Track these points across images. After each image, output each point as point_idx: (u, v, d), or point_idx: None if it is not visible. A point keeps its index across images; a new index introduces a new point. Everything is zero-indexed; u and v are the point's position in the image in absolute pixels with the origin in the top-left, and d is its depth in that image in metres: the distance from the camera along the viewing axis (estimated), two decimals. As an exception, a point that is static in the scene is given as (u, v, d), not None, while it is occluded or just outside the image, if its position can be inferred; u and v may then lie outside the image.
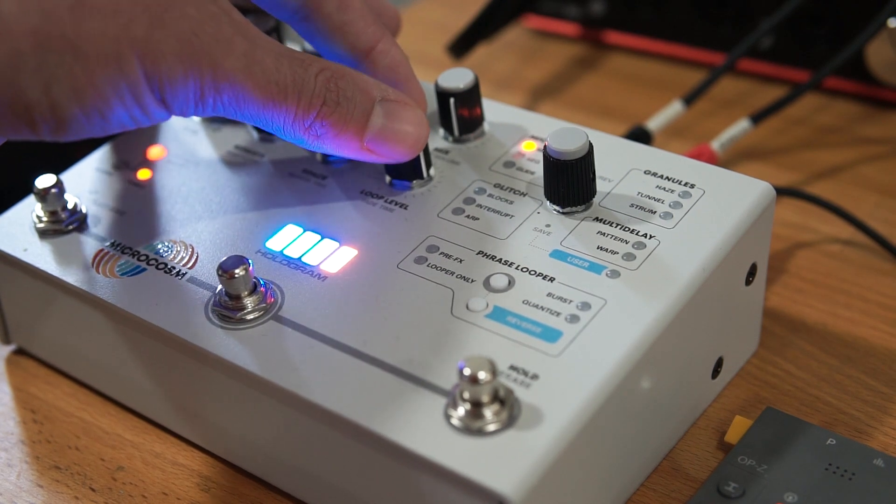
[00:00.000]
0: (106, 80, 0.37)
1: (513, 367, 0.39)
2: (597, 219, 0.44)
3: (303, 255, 0.45)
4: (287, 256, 0.45)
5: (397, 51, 0.46)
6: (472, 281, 0.43)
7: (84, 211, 0.49)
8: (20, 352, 0.53)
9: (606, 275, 0.42)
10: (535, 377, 0.39)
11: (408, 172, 0.47)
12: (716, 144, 0.56)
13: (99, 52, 0.37)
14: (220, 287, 0.43)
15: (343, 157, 0.46)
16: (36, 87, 0.37)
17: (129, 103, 0.38)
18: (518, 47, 0.72)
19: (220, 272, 0.43)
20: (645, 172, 0.46)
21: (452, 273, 0.43)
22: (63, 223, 0.49)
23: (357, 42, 0.45)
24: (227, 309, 0.43)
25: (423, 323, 0.42)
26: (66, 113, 0.37)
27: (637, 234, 0.43)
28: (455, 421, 0.38)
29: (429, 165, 0.47)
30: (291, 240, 0.46)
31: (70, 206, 0.49)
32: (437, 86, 0.48)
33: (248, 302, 0.43)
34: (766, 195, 0.45)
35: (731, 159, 0.60)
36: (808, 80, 0.57)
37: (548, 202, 0.45)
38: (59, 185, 0.49)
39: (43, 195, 0.48)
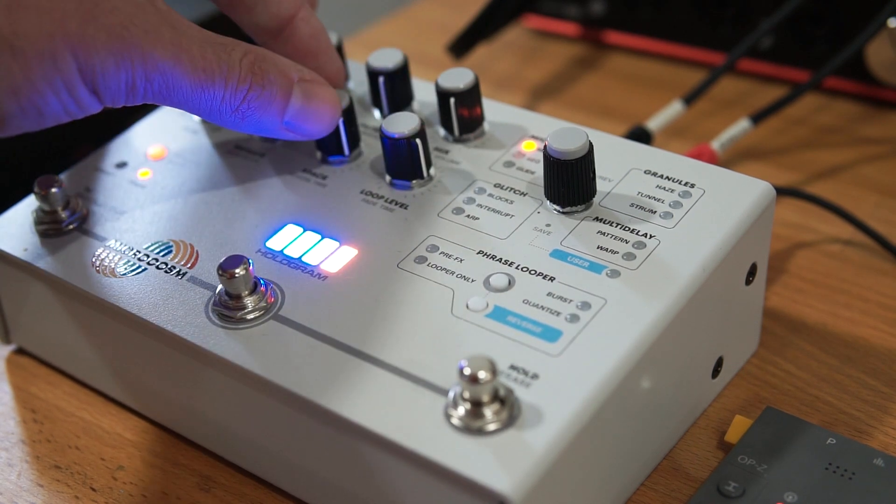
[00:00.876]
0: (42, 75, 0.39)
1: (513, 367, 0.40)
2: (597, 218, 0.44)
3: (303, 255, 0.45)
4: (287, 256, 0.45)
5: (315, 20, 0.48)
6: (472, 281, 0.43)
7: (84, 211, 0.49)
8: (20, 352, 0.53)
9: (606, 274, 0.42)
10: (535, 377, 0.39)
11: (408, 172, 0.47)
12: (716, 144, 0.56)
13: (35, 49, 0.38)
14: (220, 287, 0.43)
15: (264, 134, 0.46)
16: None
17: (63, 97, 0.39)
18: (518, 47, 0.72)
19: (220, 272, 0.43)
20: (645, 172, 0.46)
21: (452, 273, 0.43)
22: (63, 223, 0.49)
23: (278, 11, 0.47)
24: (228, 308, 0.43)
25: (423, 323, 0.42)
26: (5, 109, 0.39)
27: (637, 233, 0.43)
28: (455, 420, 0.38)
29: (429, 165, 0.47)
30: (291, 239, 0.46)
31: (70, 206, 0.49)
32: (437, 86, 0.48)
33: (249, 301, 0.43)
34: (766, 195, 0.45)
35: (731, 159, 0.60)
36: (808, 80, 0.57)
37: (548, 202, 0.45)
38: (59, 185, 0.49)
39: (43, 195, 0.48)
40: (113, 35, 0.39)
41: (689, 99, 0.59)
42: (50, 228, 0.49)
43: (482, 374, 0.37)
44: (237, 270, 0.42)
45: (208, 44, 0.42)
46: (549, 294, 0.42)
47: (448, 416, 0.38)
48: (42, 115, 0.40)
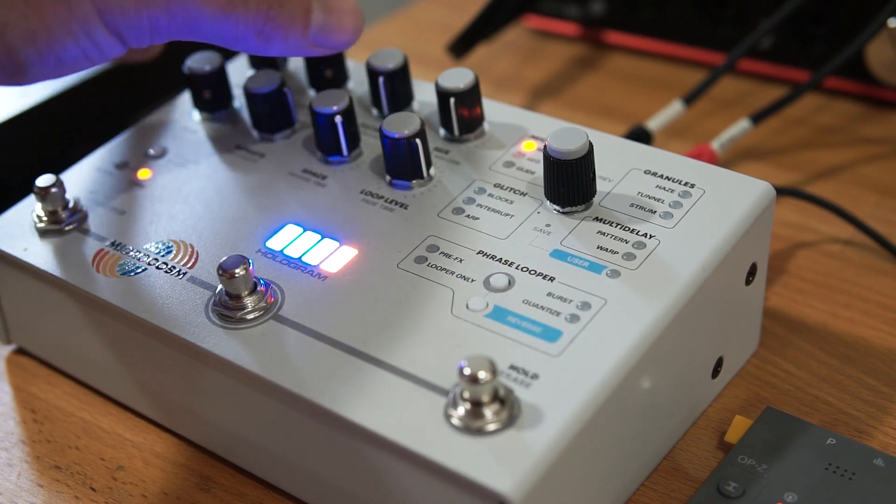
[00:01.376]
0: (57, 20, 0.38)
1: (513, 367, 0.39)
2: (597, 218, 0.44)
3: (303, 255, 0.45)
4: (287, 256, 0.45)
5: None
6: (472, 280, 0.43)
7: (84, 211, 0.49)
8: (20, 352, 0.53)
9: (606, 274, 0.42)
10: (535, 377, 0.39)
11: (408, 172, 0.47)
12: (716, 144, 0.56)
13: None
14: (220, 287, 0.43)
15: (292, 55, 0.46)
16: None
17: (82, 41, 0.39)
18: (518, 47, 0.72)
19: (220, 272, 0.43)
20: (645, 172, 0.46)
21: (452, 273, 0.43)
22: (63, 223, 0.49)
23: None
24: (228, 308, 0.43)
25: (423, 323, 0.42)
26: (22, 57, 0.38)
27: (637, 233, 0.43)
28: (455, 420, 0.38)
29: (429, 165, 0.47)
30: (291, 239, 0.46)
31: (70, 205, 0.49)
32: (437, 86, 0.48)
33: (249, 302, 0.43)
34: (766, 195, 0.45)
35: (731, 159, 0.60)
36: (808, 80, 0.57)
37: (548, 202, 0.45)
38: (59, 184, 0.49)
39: (43, 195, 0.48)
40: None
41: (689, 99, 0.59)
42: (50, 228, 0.49)
43: (482, 374, 0.37)
44: (237, 270, 0.43)
45: None
46: (549, 294, 0.42)
47: (448, 416, 0.38)
48: (62, 61, 0.39)
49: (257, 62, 0.55)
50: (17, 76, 0.39)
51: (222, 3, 0.41)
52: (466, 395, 0.38)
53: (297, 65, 0.55)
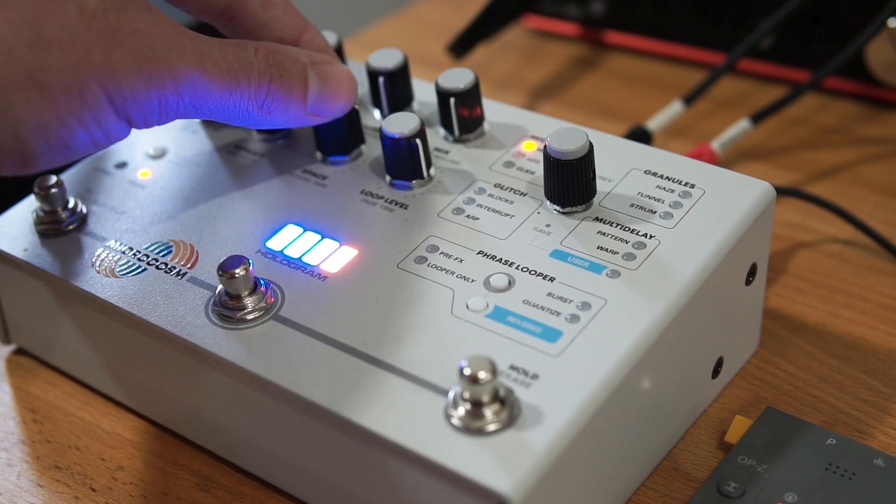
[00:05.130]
0: (70, 112, 0.38)
1: (513, 367, 0.39)
2: (597, 219, 0.44)
3: (303, 255, 0.45)
4: (287, 256, 0.45)
5: (321, 38, 0.48)
6: (473, 281, 0.43)
7: (84, 211, 0.49)
8: (20, 352, 0.53)
9: (606, 275, 0.42)
10: (535, 377, 0.39)
11: (408, 172, 0.47)
12: (716, 144, 0.56)
13: (62, 84, 0.38)
14: (220, 287, 0.43)
15: (291, 125, 0.46)
16: (4, 130, 0.37)
17: (92, 129, 0.39)
18: (518, 47, 0.72)
19: (220, 272, 0.43)
20: (645, 172, 0.46)
21: (452, 273, 0.43)
22: (63, 223, 0.49)
23: (283, 35, 0.47)
24: (228, 309, 0.43)
25: (423, 323, 0.42)
26: (34, 149, 0.38)
27: (637, 233, 0.43)
28: (455, 421, 0.38)
29: (429, 165, 0.47)
30: (291, 240, 0.46)
31: (70, 206, 0.49)
32: (437, 86, 0.48)
33: (249, 302, 0.43)
34: (766, 195, 0.45)
35: (731, 159, 0.60)
36: (808, 80, 0.58)
37: (548, 202, 0.45)
38: (59, 185, 0.49)
39: (43, 195, 0.48)
40: (139, 57, 0.39)
41: (689, 99, 0.59)
42: (50, 228, 0.49)
43: (482, 375, 0.37)
44: (237, 271, 0.42)
45: (224, 45, 0.42)
46: (549, 294, 0.42)
47: (448, 417, 0.38)
48: (70, 149, 0.39)
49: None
50: (25, 166, 0.39)
51: (227, 79, 0.41)
52: (466, 395, 0.38)
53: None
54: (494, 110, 0.50)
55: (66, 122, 0.38)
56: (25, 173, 0.40)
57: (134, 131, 0.53)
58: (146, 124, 0.40)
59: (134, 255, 0.47)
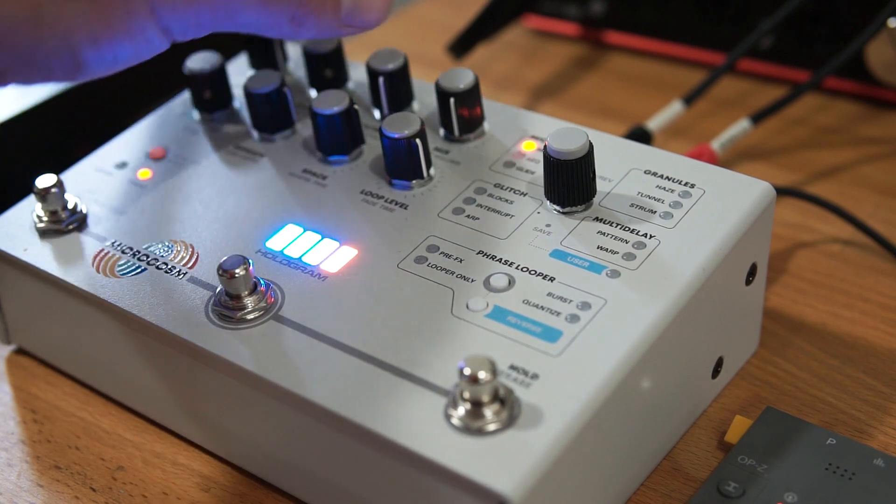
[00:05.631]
0: (118, 20, 0.39)
1: (513, 367, 0.39)
2: (597, 219, 0.44)
3: (303, 255, 0.45)
4: (287, 256, 0.45)
5: None
6: (473, 281, 0.43)
7: (84, 211, 0.49)
8: (20, 352, 0.53)
9: (606, 274, 0.42)
10: (535, 377, 0.39)
11: (408, 172, 0.47)
12: (716, 144, 0.56)
13: None
14: (220, 287, 0.43)
15: (324, 36, 0.46)
16: (56, 36, 0.38)
17: (137, 39, 0.40)
18: (518, 47, 0.72)
19: (220, 272, 0.43)
20: (645, 172, 0.46)
21: (452, 273, 0.43)
22: (63, 223, 0.49)
23: None
24: (228, 309, 0.43)
25: (423, 323, 0.42)
26: (84, 58, 0.39)
27: (637, 233, 0.43)
28: (455, 421, 0.38)
29: (429, 165, 0.47)
30: (291, 240, 0.46)
31: (70, 206, 0.49)
32: (437, 86, 0.48)
33: (249, 302, 0.43)
34: (766, 195, 0.45)
35: (731, 159, 0.60)
36: (808, 80, 0.57)
37: (548, 202, 0.45)
38: (59, 184, 0.49)
39: (43, 195, 0.48)
40: None
41: (689, 99, 0.59)
42: (50, 228, 0.49)
43: (482, 374, 0.37)
44: (237, 270, 0.43)
45: None
46: (549, 294, 0.42)
47: (448, 416, 0.38)
48: (116, 59, 0.40)
49: (257, 62, 0.55)
50: (75, 74, 0.40)
51: None
52: (466, 395, 0.38)
53: (297, 65, 0.55)
54: (494, 110, 0.50)
55: (115, 31, 0.39)
56: (74, 81, 0.41)
57: (137, 131, 0.53)
58: (182, 36, 0.41)
59: (134, 255, 0.47)
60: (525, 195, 0.46)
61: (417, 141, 0.46)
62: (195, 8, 0.41)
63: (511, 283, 0.43)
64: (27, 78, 0.40)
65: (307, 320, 0.43)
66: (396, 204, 0.47)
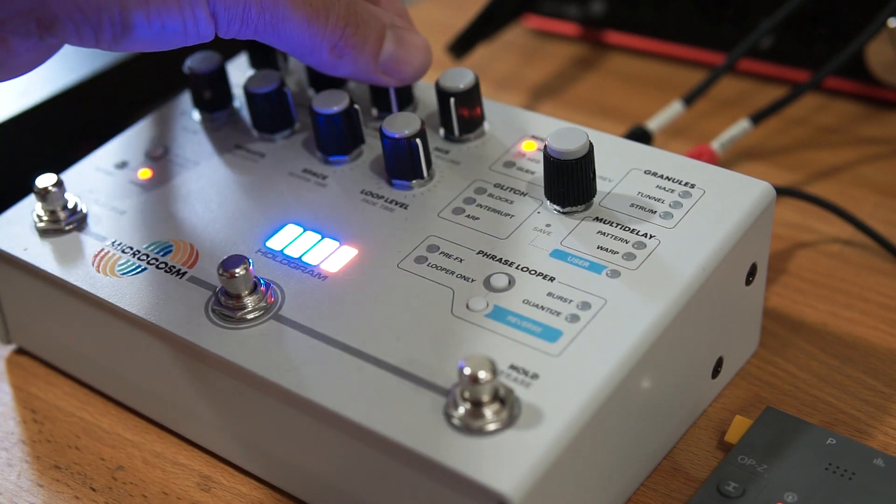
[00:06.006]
0: None
1: (513, 367, 0.39)
2: (597, 218, 0.44)
3: (303, 255, 0.45)
4: (287, 256, 0.45)
5: (400, 4, 0.49)
6: (473, 280, 0.43)
7: (84, 210, 0.49)
8: (20, 352, 0.53)
9: (606, 274, 0.42)
10: (535, 377, 0.39)
11: (408, 172, 0.47)
12: (716, 144, 0.56)
13: None
14: (220, 286, 0.43)
15: (358, 79, 0.48)
16: None
17: (186, 15, 0.41)
18: (518, 47, 0.72)
19: (220, 271, 0.43)
20: (645, 172, 0.46)
21: (452, 273, 0.43)
22: (63, 223, 0.49)
23: None
24: (228, 308, 0.43)
25: (423, 323, 0.42)
26: (133, 19, 0.40)
27: (637, 233, 0.43)
28: (455, 420, 0.38)
29: (429, 165, 0.47)
30: (291, 239, 0.46)
31: (70, 205, 0.49)
32: (437, 86, 0.48)
33: (249, 301, 0.43)
34: (766, 195, 0.45)
35: (731, 159, 0.60)
36: (808, 80, 0.57)
37: (548, 202, 0.45)
38: (59, 184, 0.49)
39: (43, 195, 0.48)
40: None
41: (689, 99, 0.59)
42: (50, 228, 0.49)
43: (482, 374, 0.37)
44: (237, 270, 0.43)
45: None
46: (549, 294, 0.42)
47: (448, 416, 0.38)
48: (163, 33, 0.41)
49: (258, 62, 0.55)
50: (119, 39, 0.41)
51: (308, 11, 0.43)
52: (466, 394, 0.38)
53: (297, 64, 0.55)
54: (494, 110, 0.50)
55: (168, 2, 0.40)
56: (116, 48, 0.41)
57: (137, 131, 0.53)
58: (227, 29, 0.42)
59: (134, 254, 0.47)
60: (525, 195, 0.46)
61: (417, 141, 0.46)
62: (245, 2, 0.42)
63: (511, 282, 0.43)
64: (78, 31, 0.40)
65: (307, 320, 0.43)
66: (396, 204, 0.47)
